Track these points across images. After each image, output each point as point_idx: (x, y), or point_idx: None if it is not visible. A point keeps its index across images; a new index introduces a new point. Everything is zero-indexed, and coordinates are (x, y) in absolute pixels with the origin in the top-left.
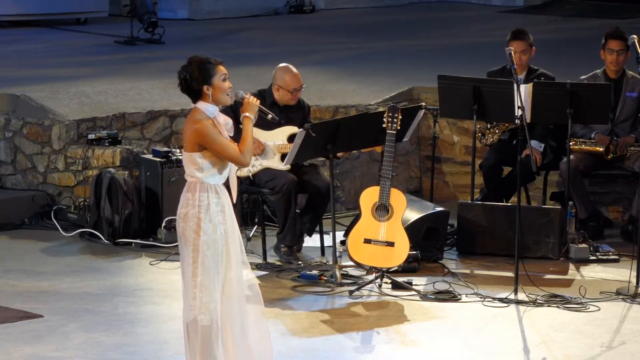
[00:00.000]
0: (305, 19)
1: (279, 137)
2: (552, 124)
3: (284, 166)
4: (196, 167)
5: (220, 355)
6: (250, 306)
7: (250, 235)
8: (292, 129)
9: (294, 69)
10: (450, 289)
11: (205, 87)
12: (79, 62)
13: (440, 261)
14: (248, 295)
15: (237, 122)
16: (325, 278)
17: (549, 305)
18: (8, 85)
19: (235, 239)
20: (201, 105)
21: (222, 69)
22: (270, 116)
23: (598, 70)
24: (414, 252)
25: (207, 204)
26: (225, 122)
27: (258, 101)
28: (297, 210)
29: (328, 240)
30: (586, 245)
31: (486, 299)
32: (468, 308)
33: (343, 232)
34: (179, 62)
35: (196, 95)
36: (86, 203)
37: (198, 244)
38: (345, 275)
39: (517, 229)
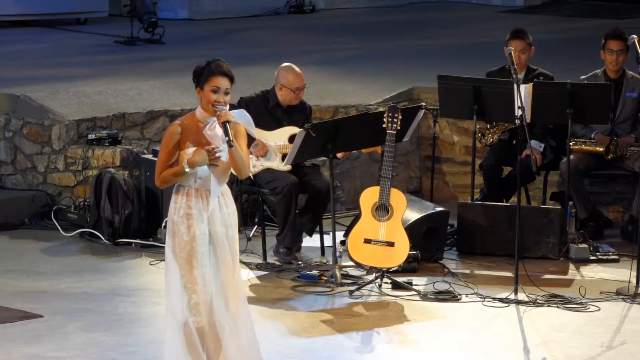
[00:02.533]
0: (305, 19)
1: (280, 138)
2: (552, 124)
3: (284, 166)
4: None
5: (210, 357)
6: (240, 308)
7: (250, 235)
8: (293, 130)
9: (297, 69)
10: (450, 289)
11: (197, 90)
12: (79, 62)
13: (440, 261)
14: (238, 298)
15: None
16: (325, 278)
17: (549, 305)
18: (8, 85)
19: (228, 242)
20: (198, 109)
21: (219, 81)
22: (227, 139)
23: (598, 70)
24: (414, 252)
25: (178, 207)
26: (210, 133)
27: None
28: (297, 210)
29: (328, 240)
30: (586, 245)
31: (486, 299)
32: (468, 308)
33: (343, 232)
34: (179, 62)
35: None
36: (86, 203)
37: (173, 246)
38: (345, 275)
39: (517, 229)
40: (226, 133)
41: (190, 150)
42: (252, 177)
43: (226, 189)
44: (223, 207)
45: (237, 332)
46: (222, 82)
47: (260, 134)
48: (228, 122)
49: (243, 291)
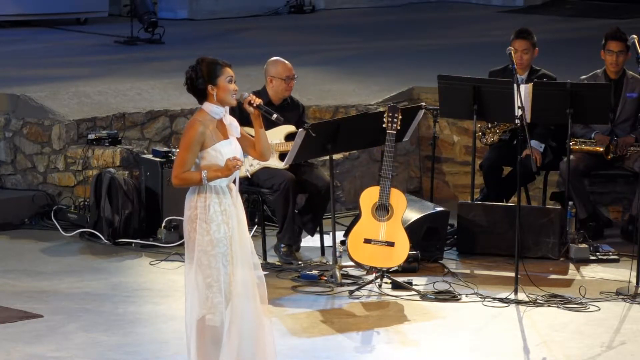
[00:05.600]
0: (305, 19)
1: (276, 136)
2: (552, 124)
3: (282, 166)
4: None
5: (224, 356)
6: (255, 305)
7: (250, 235)
8: (289, 128)
9: (285, 60)
10: (450, 289)
11: (209, 87)
12: (79, 62)
13: (440, 261)
14: (254, 295)
15: (241, 123)
16: (325, 278)
17: (549, 305)
18: (8, 85)
19: (243, 239)
20: (206, 106)
21: (229, 70)
22: (275, 116)
23: (598, 70)
24: (414, 252)
25: (207, 205)
26: (230, 123)
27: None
28: (296, 210)
29: (328, 240)
30: (586, 245)
31: (486, 299)
32: (468, 308)
33: (343, 232)
34: (179, 62)
35: (201, 95)
36: (86, 203)
37: (201, 245)
38: (345, 275)
39: (517, 229)
40: (269, 112)
41: (220, 147)
42: (249, 176)
43: (234, 186)
44: (237, 204)
45: (254, 327)
46: (232, 72)
47: None
48: (260, 103)
49: (264, 286)
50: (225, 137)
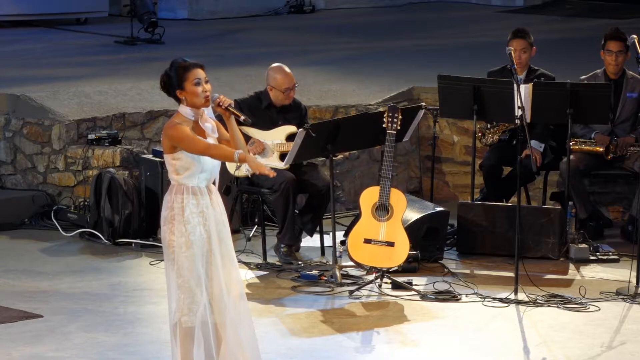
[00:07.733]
0: (305, 19)
1: (277, 137)
2: (552, 124)
3: (283, 166)
4: (172, 169)
5: (202, 357)
6: (239, 305)
7: (250, 235)
8: (291, 128)
9: (286, 69)
10: (450, 289)
11: (178, 92)
12: (79, 62)
13: (440, 261)
14: (237, 295)
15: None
16: (325, 278)
17: (549, 305)
18: (8, 85)
19: (223, 239)
20: (182, 109)
21: (196, 72)
22: (243, 117)
23: (598, 70)
24: (414, 252)
25: (183, 206)
26: (204, 124)
27: (231, 102)
28: (296, 211)
29: (328, 240)
30: (586, 245)
31: (486, 299)
32: (468, 308)
33: (343, 232)
34: None
35: (175, 99)
36: (86, 203)
37: (175, 246)
38: (345, 275)
39: (517, 229)
40: (237, 113)
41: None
42: (250, 176)
43: (214, 187)
44: (216, 205)
45: (237, 327)
46: (200, 73)
47: (257, 134)
48: (230, 104)
49: (242, 287)
50: (204, 137)
